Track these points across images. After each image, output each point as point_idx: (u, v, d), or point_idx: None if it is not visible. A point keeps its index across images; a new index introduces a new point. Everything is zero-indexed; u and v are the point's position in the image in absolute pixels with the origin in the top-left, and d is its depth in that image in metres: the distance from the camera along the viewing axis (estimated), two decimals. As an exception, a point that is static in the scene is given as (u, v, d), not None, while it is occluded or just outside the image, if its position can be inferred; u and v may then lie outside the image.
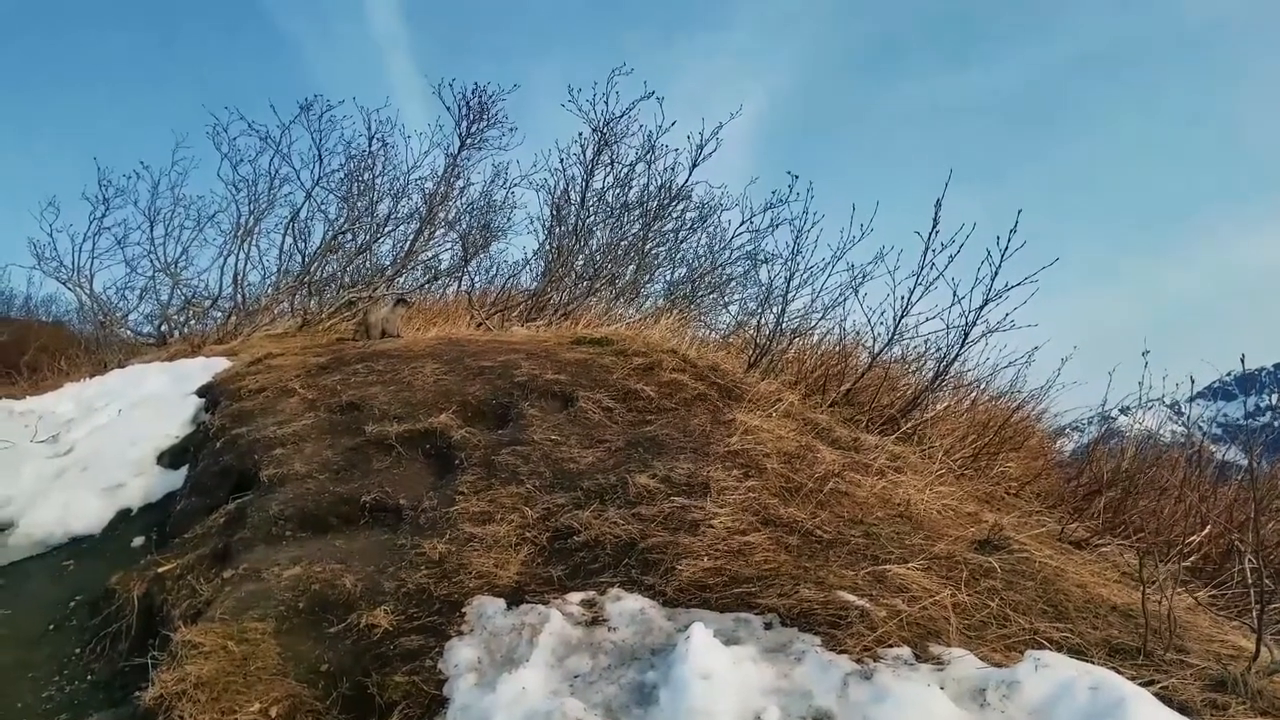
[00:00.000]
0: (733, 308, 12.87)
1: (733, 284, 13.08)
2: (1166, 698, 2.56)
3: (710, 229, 13.13)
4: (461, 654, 3.14)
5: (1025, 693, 2.42)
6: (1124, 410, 7.14)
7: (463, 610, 3.42)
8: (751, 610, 3.10)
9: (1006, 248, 6.10)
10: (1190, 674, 2.78)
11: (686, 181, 12.33)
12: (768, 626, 2.98)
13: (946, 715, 2.43)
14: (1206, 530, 4.52)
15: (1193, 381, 5.12)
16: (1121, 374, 6.14)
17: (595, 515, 4.01)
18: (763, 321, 8.33)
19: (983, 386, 7.63)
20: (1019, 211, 6.05)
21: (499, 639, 3.18)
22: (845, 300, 8.34)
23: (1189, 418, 7.36)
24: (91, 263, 11.99)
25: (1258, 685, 2.70)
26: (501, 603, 3.42)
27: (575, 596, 3.38)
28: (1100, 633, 3.08)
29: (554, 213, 12.73)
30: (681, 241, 13.24)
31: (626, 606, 3.20)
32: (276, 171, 12.47)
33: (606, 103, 11.97)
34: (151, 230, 12.15)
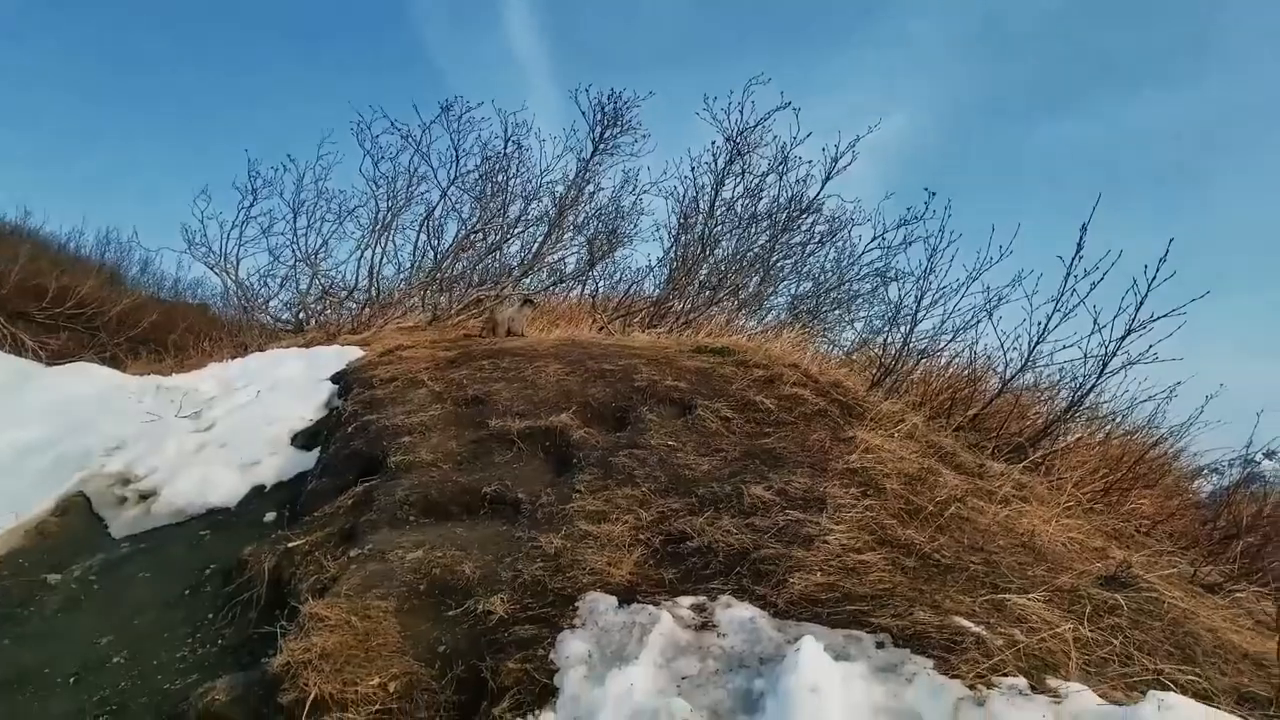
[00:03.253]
0: (858, 325, 12.71)
1: (859, 300, 12.92)
2: (1300, 753, 2.44)
3: (839, 243, 13.02)
4: (572, 647, 3.19)
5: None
6: (1269, 454, 6.78)
7: (575, 604, 3.48)
8: (863, 628, 3.06)
9: (1154, 277, 5.87)
10: (1328, 731, 2.63)
11: (818, 195, 12.28)
12: (879, 645, 2.94)
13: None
14: (1356, 584, 4.25)
15: (1349, 426, 4.81)
16: (1270, 416, 5.81)
17: (709, 522, 4.02)
18: (889, 340, 8.20)
19: (1118, 420, 7.35)
20: (1170, 240, 5.81)
21: (609, 635, 3.23)
22: (978, 323, 8.09)
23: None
24: (238, 250, 12.67)
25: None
26: (613, 600, 3.46)
27: (686, 600, 3.40)
28: (1229, 679, 2.94)
29: (681, 221, 12.82)
30: (809, 255, 13.15)
31: (737, 614, 3.21)
32: (415, 170, 12.96)
33: (741, 112, 12.01)
34: (294, 221, 12.78)
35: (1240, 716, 2.52)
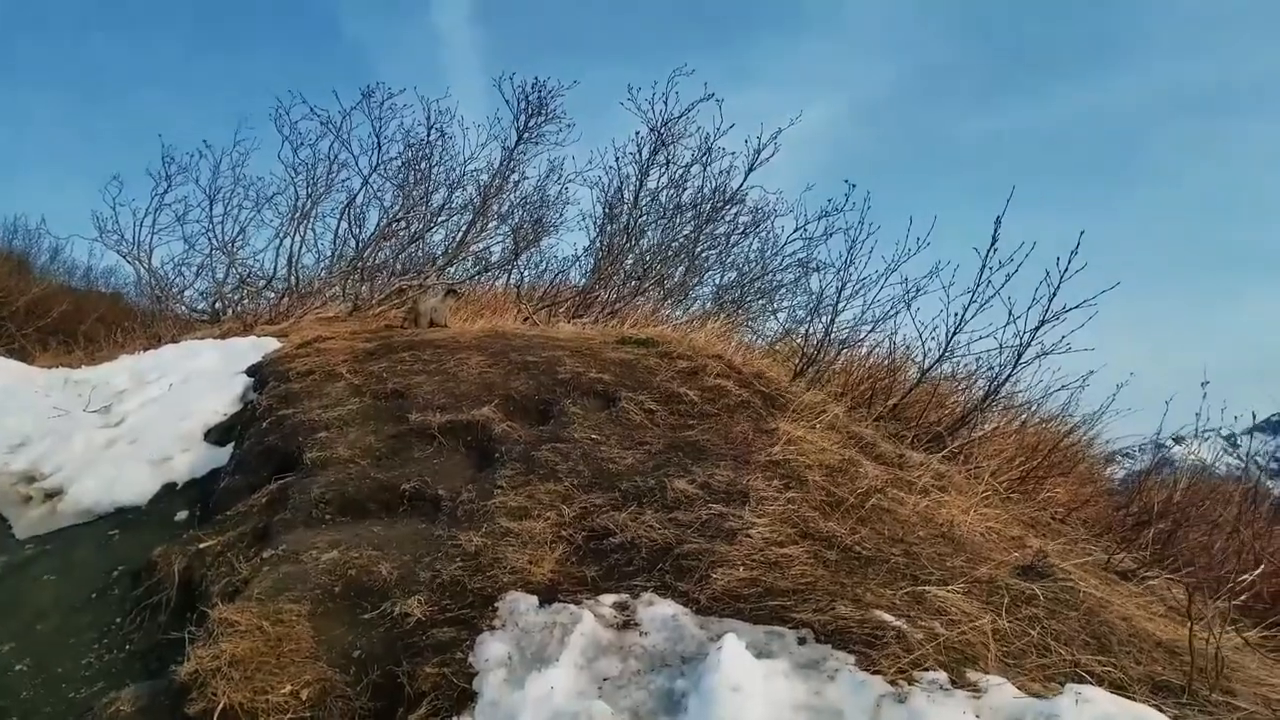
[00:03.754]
0: (781, 315, 12.81)
1: (782, 291, 13.03)
2: (1211, 741, 2.49)
3: (762, 234, 13.11)
4: (492, 649, 3.11)
5: (1063, 727, 2.35)
6: (1177, 440, 6.99)
7: (495, 605, 3.40)
8: (785, 624, 3.04)
9: (1066, 269, 5.98)
10: (1237, 717, 2.68)
11: (741, 185, 12.33)
12: (801, 641, 2.93)
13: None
14: (1261, 569, 4.38)
15: (1255, 416, 4.96)
16: (1179, 404, 5.97)
17: (632, 517, 3.98)
18: (811, 330, 8.26)
19: (1033, 409, 7.50)
20: (1081, 232, 5.93)
21: (530, 636, 3.16)
22: (897, 313, 8.20)
23: (1245, 451, 7.18)
24: (151, 238, 12.22)
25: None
26: (534, 600, 3.39)
27: (608, 598, 3.35)
28: (1144, 668, 3.00)
29: (606, 210, 12.79)
30: (733, 245, 13.20)
31: (659, 612, 3.17)
32: (335, 156, 12.62)
33: (665, 103, 12.01)
34: (211, 208, 12.36)
35: (1155, 706, 2.56)
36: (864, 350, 8.45)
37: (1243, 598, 4.13)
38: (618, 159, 12.60)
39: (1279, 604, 4.29)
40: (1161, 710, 2.51)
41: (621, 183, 12.66)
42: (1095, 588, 3.64)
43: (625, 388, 5.68)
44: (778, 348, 9.77)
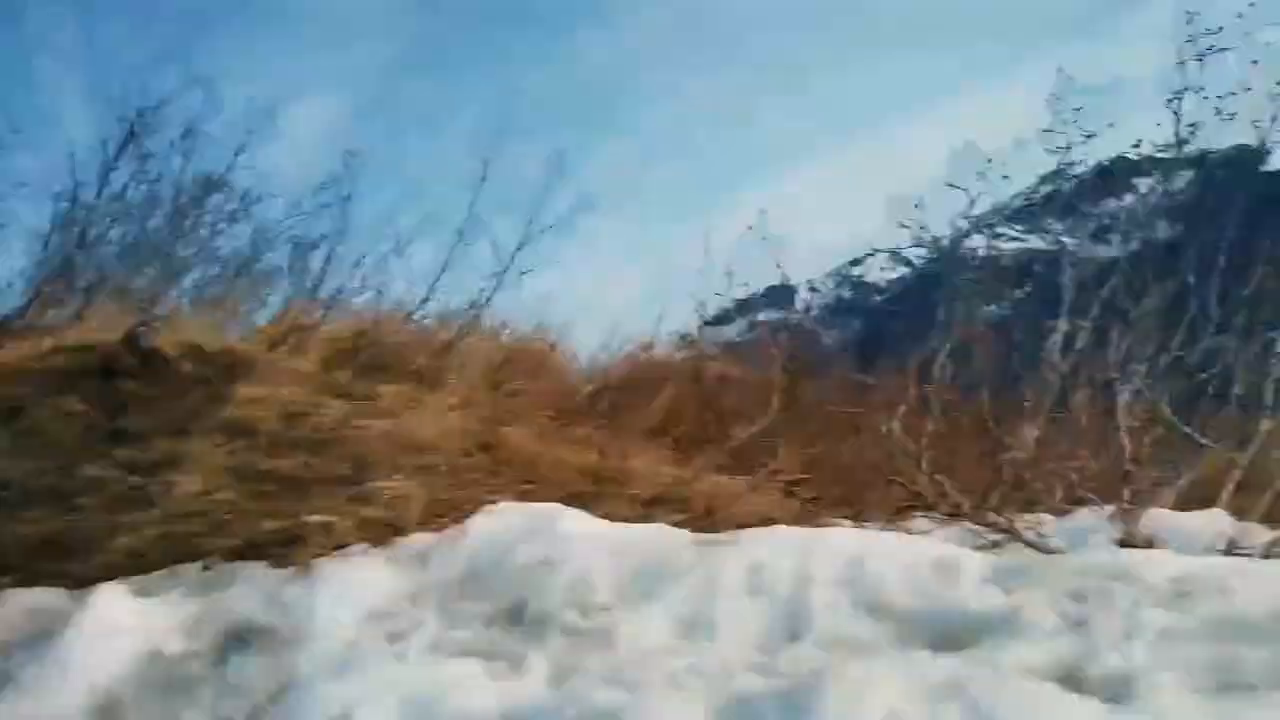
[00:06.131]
0: (276, 297, 12.20)
1: (277, 273, 12.38)
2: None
3: (254, 219, 12.34)
4: None
5: (464, 544, 2.30)
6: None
7: None
8: (192, 560, 2.75)
9: (546, 193, 6.11)
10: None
11: (227, 172, 11.44)
12: (206, 569, 2.68)
13: (383, 578, 2.25)
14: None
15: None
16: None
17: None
18: (295, 301, 7.86)
19: (509, 328, 7.73)
20: (562, 153, 6.09)
21: None
22: (388, 266, 8.05)
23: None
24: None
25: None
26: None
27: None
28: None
29: (59, 224, 11.27)
30: (218, 234, 12.25)
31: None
32: None
33: (140, 93, 10.79)
34: None
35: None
36: (353, 307, 8.22)
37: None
38: (73, 161, 11.15)
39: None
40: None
41: (76, 185, 11.19)
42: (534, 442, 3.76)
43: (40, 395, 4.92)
44: (265, 327, 9.25)
